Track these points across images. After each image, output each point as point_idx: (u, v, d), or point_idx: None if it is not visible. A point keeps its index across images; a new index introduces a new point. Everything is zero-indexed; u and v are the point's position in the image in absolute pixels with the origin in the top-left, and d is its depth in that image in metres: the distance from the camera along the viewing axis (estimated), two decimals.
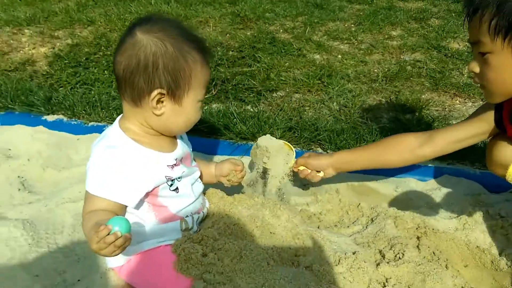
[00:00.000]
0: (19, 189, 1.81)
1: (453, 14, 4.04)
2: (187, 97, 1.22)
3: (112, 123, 1.31)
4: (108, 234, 1.00)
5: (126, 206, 1.22)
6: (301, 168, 1.69)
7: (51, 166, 1.97)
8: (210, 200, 1.50)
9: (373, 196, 1.87)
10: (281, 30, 3.68)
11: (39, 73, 2.89)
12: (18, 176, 1.89)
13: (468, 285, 1.32)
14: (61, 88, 2.67)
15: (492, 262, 1.46)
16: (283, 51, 3.19)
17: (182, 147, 1.36)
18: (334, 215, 1.70)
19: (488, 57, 1.20)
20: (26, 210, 1.66)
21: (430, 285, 1.29)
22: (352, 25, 3.83)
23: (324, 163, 1.68)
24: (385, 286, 1.29)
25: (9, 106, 2.35)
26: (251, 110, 2.42)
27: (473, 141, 1.56)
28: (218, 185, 1.58)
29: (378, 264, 1.35)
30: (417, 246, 1.46)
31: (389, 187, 1.89)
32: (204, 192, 1.49)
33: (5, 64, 2.98)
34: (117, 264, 1.31)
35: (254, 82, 2.71)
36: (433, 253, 1.44)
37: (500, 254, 1.49)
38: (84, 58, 2.99)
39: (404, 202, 1.82)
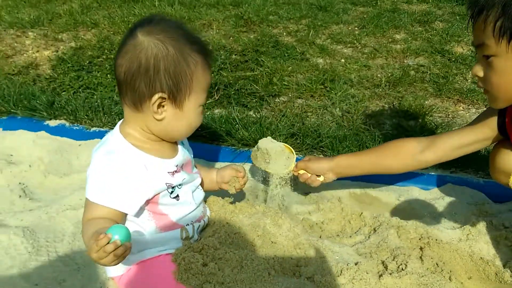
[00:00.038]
0: (20, 196, 1.80)
1: (457, 17, 4.01)
2: (188, 101, 1.21)
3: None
4: (108, 243, 0.98)
5: (126, 214, 1.22)
6: (301, 172, 1.67)
7: (53, 172, 1.96)
8: (211, 208, 1.49)
9: (376, 205, 1.85)
10: (284, 33, 3.66)
11: (42, 77, 2.89)
12: (19, 183, 1.89)
13: None
14: (63, 93, 2.67)
15: (496, 274, 1.44)
16: (286, 54, 3.17)
17: (183, 153, 1.34)
18: (336, 224, 1.69)
19: (492, 60, 1.16)
20: (27, 217, 1.65)
21: None
22: (356, 28, 3.81)
23: (324, 167, 1.66)
24: None
25: (12, 110, 2.35)
26: (254, 115, 2.41)
27: (475, 147, 1.53)
28: (219, 193, 1.57)
29: (380, 276, 1.34)
30: (420, 257, 1.45)
31: (392, 196, 1.87)
32: (205, 200, 1.48)
33: (9, 67, 2.99)
34: (116, 274, 1.30)
35: (257, 87, 2.69)
36: (437, 264, 1.42)
37: (504, 266, 1.47)
38: (87, 62, 2.99)
39: (407, 211, 1.80)
